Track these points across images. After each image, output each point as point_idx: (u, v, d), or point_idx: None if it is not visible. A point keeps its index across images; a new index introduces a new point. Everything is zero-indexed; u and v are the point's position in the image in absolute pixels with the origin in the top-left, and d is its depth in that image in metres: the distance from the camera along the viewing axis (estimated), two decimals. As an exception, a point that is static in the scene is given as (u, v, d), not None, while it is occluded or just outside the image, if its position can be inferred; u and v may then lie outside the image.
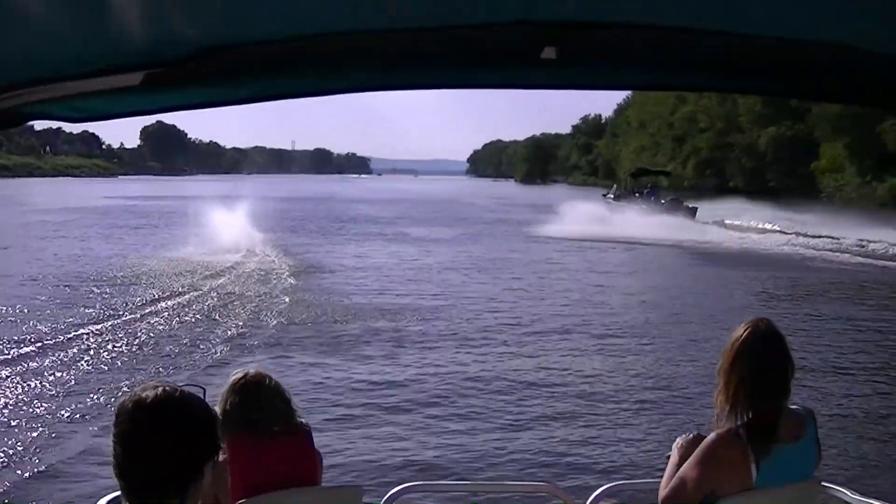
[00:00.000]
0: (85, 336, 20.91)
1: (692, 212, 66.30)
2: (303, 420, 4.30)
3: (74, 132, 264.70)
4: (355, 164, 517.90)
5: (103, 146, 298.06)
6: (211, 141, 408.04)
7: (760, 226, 61.63)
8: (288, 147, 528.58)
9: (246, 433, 4.06)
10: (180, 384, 2.61)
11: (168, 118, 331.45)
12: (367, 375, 17.45)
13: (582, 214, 62.08)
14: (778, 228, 59.39)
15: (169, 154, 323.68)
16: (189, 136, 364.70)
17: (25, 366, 17.82)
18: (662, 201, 68.77)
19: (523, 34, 2.39)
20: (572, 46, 2.48)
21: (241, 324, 22.71)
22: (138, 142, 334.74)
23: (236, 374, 4.21)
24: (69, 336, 20.81)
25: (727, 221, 64.85)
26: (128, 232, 48.98)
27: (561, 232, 53.39)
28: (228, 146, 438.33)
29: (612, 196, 77.03)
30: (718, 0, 2.22)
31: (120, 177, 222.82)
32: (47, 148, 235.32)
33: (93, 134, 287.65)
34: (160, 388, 2.53)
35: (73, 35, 2.26)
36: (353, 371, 17.82)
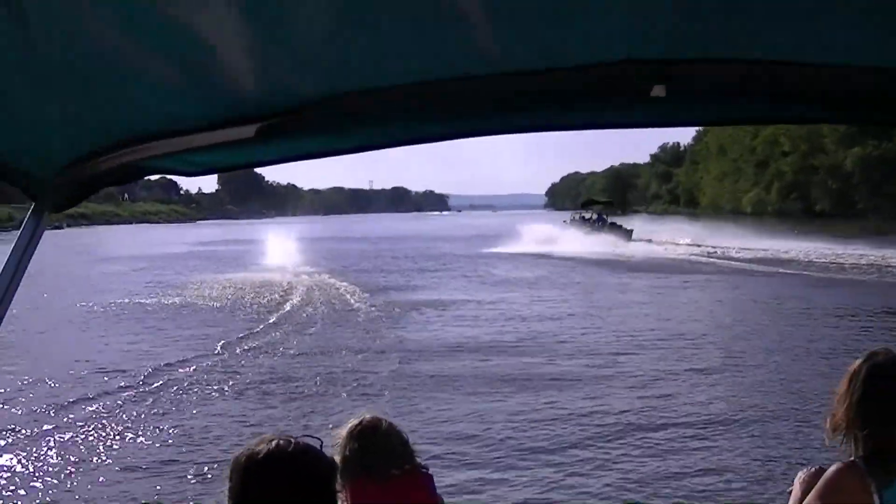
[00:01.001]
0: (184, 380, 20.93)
1: (628, 233, 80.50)
2: (422, 462, 4.18)
3: (153, 178, 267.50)
4: (433, 202, 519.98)
5: (181, 192, 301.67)
6: (288, 183, 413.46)
7: (677, 241, 75.43)
8: (365, 187, 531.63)
9: (364, 478, 3.97)
10: (296, 436, 2.62)
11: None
12: (480, 418, 17.12)
13: (535, 235, 75.54)
14: (689, 241, 73.98)
15: (247, 197, 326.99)
16: (266, 179, 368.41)
17: (125, 415, 17.76)
18: (616, 225, 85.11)
19: (630, 73, 2.39)
20: (681, 83, 2.47)
21: (347, 368, 22.27)
22: (216, 186, 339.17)
23: (352, 420, 4.13)
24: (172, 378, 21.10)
25: (653, 238, 78.94)
26: (195, 278, 46.91)
27: (515, 249, 67.06)
28: (306, 188, 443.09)
29: (568, 221, 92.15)
30: (824, 33, 2.22)
31: (198, 222, 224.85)
32: (125, 195, 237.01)
33: (171, 180, 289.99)
34: (275, 442, 2.56)
35: (189, 90, 2.36)
36: (465, 414, 17.50)
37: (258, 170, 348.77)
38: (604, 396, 18.64)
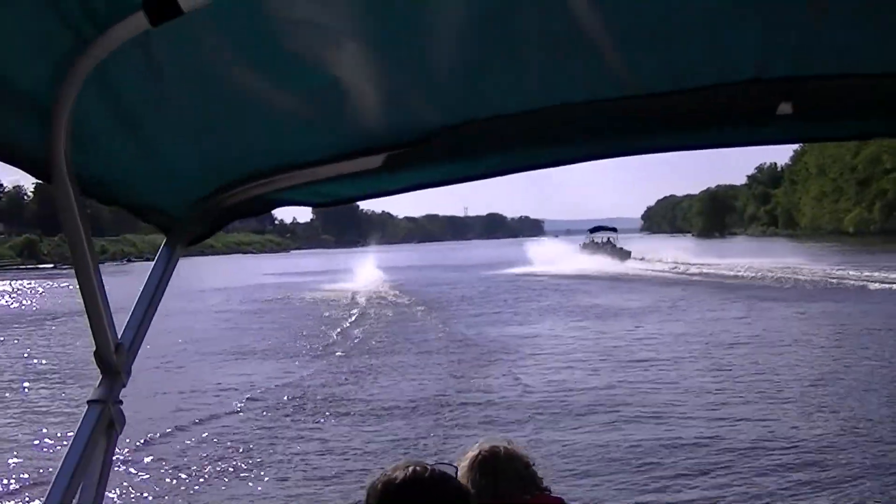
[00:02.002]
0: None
1: (627, 253, 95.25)
2: (548, 488, 3.97)
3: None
4: (529, 227, 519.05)
5: (276, 222, 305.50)
6: (383, 211, 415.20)
7: (667, 258, 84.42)
8: (461, 214, 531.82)
9: None
10: (431, 463, 2.67)
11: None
12: (599, 444, 16.35)
13: (542, 257, 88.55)
14: (672, 260, 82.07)
15: (342, 226, 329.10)
16: (361, 208, 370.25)
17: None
18: (615, 246, 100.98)
19: (757, 92, 2.41)
20: (807, 100, 2.47)
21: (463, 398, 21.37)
22: (311, 216, 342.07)
23: (470, 450, 3.96)
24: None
25: (647, 257, 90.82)
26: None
27: (523, 271, 77.16)
28: (401, 216, 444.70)
29: (581, 245, 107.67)
30: None
31: (292, 251, 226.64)
32: None
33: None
34: (410, 468, 2.61)
35: (316, 123, 2.46)
36: (581, 440, 16.75)
37: None
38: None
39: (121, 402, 2.46)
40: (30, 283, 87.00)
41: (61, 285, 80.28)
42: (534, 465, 4.01)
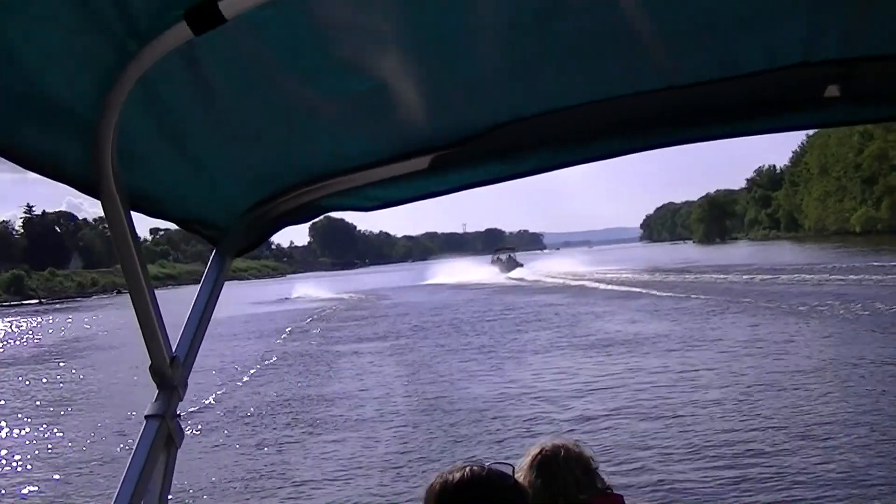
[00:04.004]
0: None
1: (521, 265, 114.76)
2: (608, 485, 3.96)
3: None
4: (528, 241, 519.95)
5: (272, 247, 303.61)
6: (381, 231, 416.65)
7: (556, 270, 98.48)
8: (459, 230, 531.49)
9: None
10: (489, 463, 2.71)
11: (337, 213, 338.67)
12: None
13: (449, 270, 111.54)
14: (561, 270, 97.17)
15: (340, 248, 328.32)
16: (358, 228, 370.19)
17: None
18: (514, 261, 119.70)
19: (806, 76, 2.42)
20: (855, 83, 2.47)
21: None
22: (308, 238, 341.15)
23: (532, 448, 3.95)
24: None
25: (536, 268, 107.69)
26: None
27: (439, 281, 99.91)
28: (399, 235, 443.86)
29: (491, 261, 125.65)
30: None
31: (288, 276, 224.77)
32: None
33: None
34: (467, 469, 2.65)
35: (363, 127, 2.51)
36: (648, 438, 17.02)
37: (349, 219, 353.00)
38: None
39: (179, 416, 2.46)
40: (14, 322, 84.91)
41: (49, 321, 79.71)
42: (597, 467, 3.93)
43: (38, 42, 1.78)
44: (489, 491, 2.58)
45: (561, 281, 79.95)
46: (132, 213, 2.25)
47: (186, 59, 1.97)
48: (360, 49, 2.11)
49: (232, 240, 2.84)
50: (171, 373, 2.44)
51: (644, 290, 56.49)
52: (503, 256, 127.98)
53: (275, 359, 36.11)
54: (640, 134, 2.71)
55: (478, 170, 2.79)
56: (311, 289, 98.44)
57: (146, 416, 2.39)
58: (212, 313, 2.70)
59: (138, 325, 2.35)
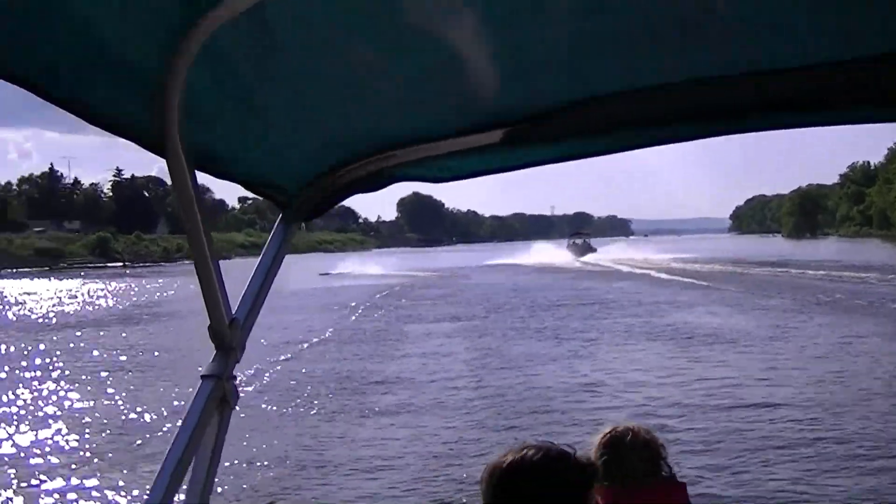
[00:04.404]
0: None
1: (594, 250, 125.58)
2: (672, 473, 4.09)
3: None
4: (616, 227, 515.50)
5: (360, 220, 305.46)
6: (469, 210, 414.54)
7: (631, 257, 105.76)
8: (547, 213, 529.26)
9: (613, 487, 3.94)
10: (551, 443, 2.76)
11: (425, 189, 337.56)
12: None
13: (528, 252, 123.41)
14: (616, 257, 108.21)
15: (426, 225, 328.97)
16: (447, 205, 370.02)
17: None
18: (589, 245, 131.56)
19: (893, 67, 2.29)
20: None
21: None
22: (396, 214, 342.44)
23: (605, 427, 4.14)
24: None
25: (612, 255, 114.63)
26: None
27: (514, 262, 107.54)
28: (487, 214, 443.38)
29: (567, 245, 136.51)
30: None
31: (374, 250, 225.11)
32: (302, 224, 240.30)
33: (349, 208, 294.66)
34: (530, 450, 2.70)
35: (435, 98, 2.47)
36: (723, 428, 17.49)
37: (437, 196, 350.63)
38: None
39: (234, 378, 2.48)
40: (97, 285, 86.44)
41: (130, 285, 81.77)
42: (666, 456, 4.04)
43: None
44: (548, 471, 2.64)
45: (639, 270, 79.82)
46: (197, 173, 2.29)
47: (256, 20, 1.98)
48: (434, 19, 2.09)
49: (299, 205, 2.85)
50: (229, 334, 2.46)
51: (723, 285, 55.07)
52: (578, 241, 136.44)
53: (338, 334, 36.19)
54: (718, 119, 2.66)
55: (550, 147, 2.78)
56: (374, 267, 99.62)
57: (202, 377, 2.42)
58: (274, 277, 2.73)
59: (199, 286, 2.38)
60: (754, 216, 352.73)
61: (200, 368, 2.42)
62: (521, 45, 2.22)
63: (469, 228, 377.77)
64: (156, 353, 32.53)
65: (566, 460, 2.69)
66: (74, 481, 16.00)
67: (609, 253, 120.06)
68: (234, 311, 2.50)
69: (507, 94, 2.46)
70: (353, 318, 43.00)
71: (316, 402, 22.15)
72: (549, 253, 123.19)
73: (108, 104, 2.10)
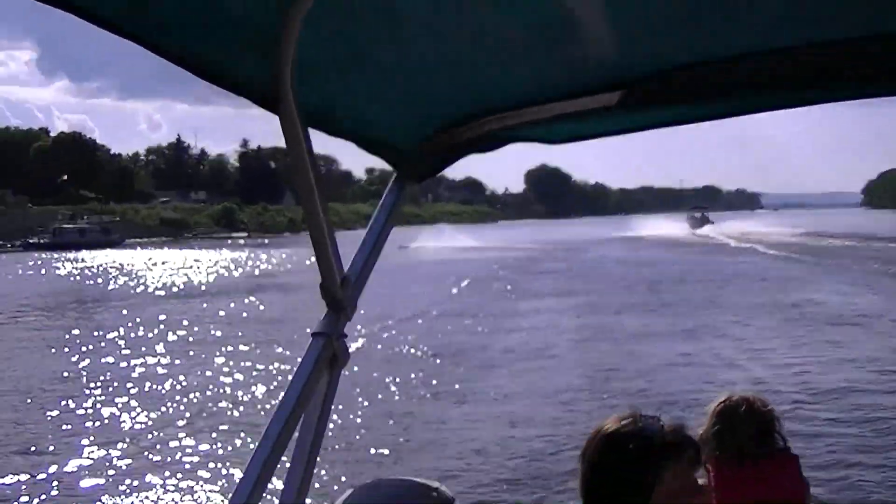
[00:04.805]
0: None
1: (711, 223, 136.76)
2: (787, 446, 4.13)
3: (457, 179, 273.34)
4: (745, 201, 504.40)
5: (487, 192, 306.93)
6: (597, 182, 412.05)
7: (746, 231, 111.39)
8: (676, 186, 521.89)
9: (722, 456, 4.02)
10: (643, 413, 2.89)
11: (552, 161, 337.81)
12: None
13: (649, 225, 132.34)
14: (736, 230, 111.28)
15: (554, 197, 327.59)
16: (574, 178, 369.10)
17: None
18: (707, 219, 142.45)
19: None
20: None
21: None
22: (522, 186, 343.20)
23: (720, 396, 4.18)
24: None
25: (728, 228, 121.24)
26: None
27: (635, 234, 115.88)
28: (615, 187, 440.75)
29: (686, 217, 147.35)
30: None
31: (500, 222, 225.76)
32: (429, 195, 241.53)
33: (476, 180, 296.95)
34: (624, 419, 2.84)
35: (549, 59, 2.42)
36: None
37: (565, 168, 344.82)
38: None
39: (345, 336, 2.46)
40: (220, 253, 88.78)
41: (252, 255, 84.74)
42: (780, 428, 4.03)
43: None
44: (626, 442, 2.73)
45: (759, 246, 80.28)
46: (310, 130, 2.25)
47: None
48: None
49: (412, 165, 2.81)
50: (340, 293, 2.42)
51: (854, 264, 53.34)
52: (696, 215, 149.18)
53: (446, 307, 36.80)
54: (836, 85, 2.55)
55: (665, 110, 2.71)
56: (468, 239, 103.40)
57: (312, 334, 2.39)
58: (387, 236, 2.69)
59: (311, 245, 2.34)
60: (887, 190, 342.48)
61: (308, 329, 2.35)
62: (638, 7, 2.16)
63: (597, 201, 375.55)
64: (276, 322, 33.75)
65: (648, 431, 2.76)
66: (189, 442, 17.26)
67: (729, 227, 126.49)
68: (345, 270, 2.47)
69: (622, 56, 2.39)
70: (455, 291, 43.73)
71: (417, 373, 22.74)
72: (668, 226, 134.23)
73: (222, 59, 2.10)
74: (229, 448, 16.58)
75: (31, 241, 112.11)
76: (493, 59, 2.41)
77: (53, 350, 29.20)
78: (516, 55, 2.39)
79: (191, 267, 73.24)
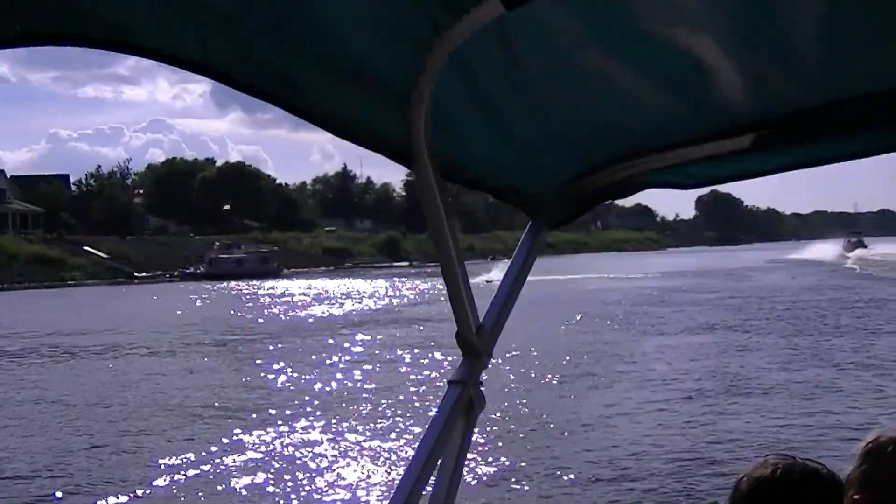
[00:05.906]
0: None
1: (865, 247, 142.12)
2: None
3: (627, 206, 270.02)
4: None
5: (657, 219, 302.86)
6: (769, 207, 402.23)
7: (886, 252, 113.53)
8: (850, 210, 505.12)
9: (868, 501, 3.48)
10: (802, 458, 2.66)
11: (724, 186, 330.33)
12: None
13: (814, 249, 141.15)
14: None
15: (725, 223, 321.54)
16: (745, 203, 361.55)
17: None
18: (863, 244, 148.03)
19: None
20: None
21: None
22: (693, 212, 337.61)
23: (870, 435, 3.64)
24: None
25: (874, 250, 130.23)
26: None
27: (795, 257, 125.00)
28: (787, 212, 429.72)
29: (843, 244, 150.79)
30: None
31: (669, 249, 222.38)
32: (598, 223, 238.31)
33: (646, 207, 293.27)
34: (778, 467, 2.60)
35: (680, 104, 2.49)
36: None
37: (736, 194, 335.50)
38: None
39: (481, 384, 2.49)
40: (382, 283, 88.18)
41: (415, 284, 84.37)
42: None
43: (351, 12, 1.89)
44: (796, 492, 2.55)
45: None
46: (445, 182, 2.29)
47: (498, 33, 2.01)
48: (674, 25, 2.08)
49: (549, 212, 2.85)
50: (476, 341, 2.45)
51: None
52: (853, 239, 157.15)
53: (553, 342, 35.41)
54: None
55: (800, 151, 2.69)
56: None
57: (448, 382, 2.44)
58: (522, 284, 2.72)
59: (447, 294, 2.39)
60: None
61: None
62: (765, 50, 2.19)
63: (768, 227, 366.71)
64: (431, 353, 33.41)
65: (812, 479, 2.59)
66: (329, 477, 17.35)
67: (880, 250, 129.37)
68: (481, 319, 2.51)
69: (754, 99, 2.41)
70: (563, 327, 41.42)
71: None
72: (825, 249, 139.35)
73: (356, 117, 2.18)
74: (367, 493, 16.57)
75: (187, 271, 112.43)
76: (622, 105, 2.47)
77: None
78: (646, 101, 2.44)
79: (345, 295, 73.37)
